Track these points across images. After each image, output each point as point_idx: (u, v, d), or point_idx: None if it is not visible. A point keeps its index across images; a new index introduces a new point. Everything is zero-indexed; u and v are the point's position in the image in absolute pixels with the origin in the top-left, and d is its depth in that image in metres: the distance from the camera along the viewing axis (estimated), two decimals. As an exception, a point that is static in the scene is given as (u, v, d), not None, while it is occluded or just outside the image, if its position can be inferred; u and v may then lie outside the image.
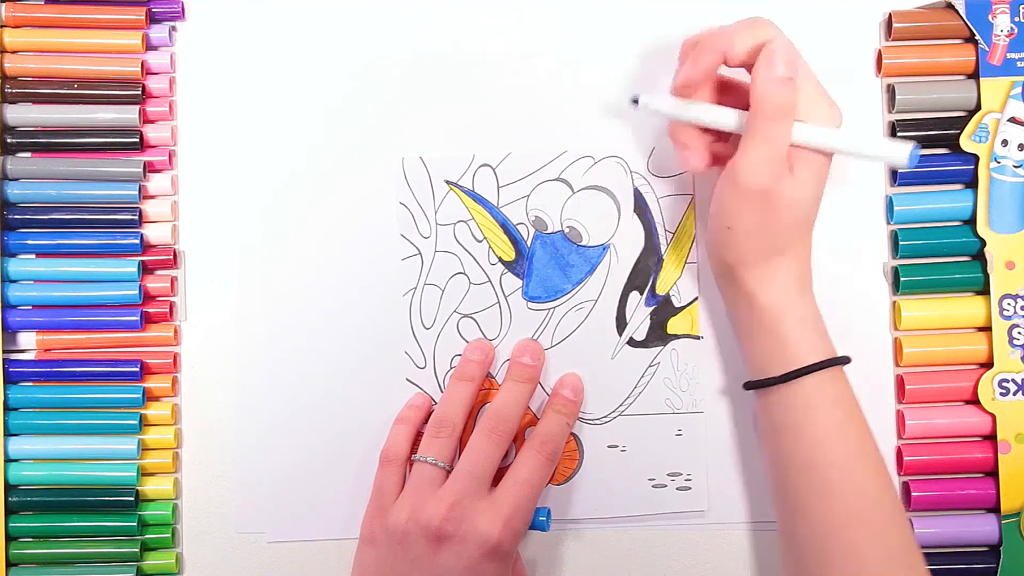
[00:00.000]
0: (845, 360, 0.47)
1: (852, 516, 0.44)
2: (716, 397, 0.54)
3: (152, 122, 0.55)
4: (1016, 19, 0.52)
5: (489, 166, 0.54)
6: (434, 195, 0.54)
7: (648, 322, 0.54)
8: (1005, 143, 0.52)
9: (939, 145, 0.54)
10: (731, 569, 0.54)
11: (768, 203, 0.45)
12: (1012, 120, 0.52)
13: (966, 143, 0.52)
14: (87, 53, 0.54)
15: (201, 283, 0.55)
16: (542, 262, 0.54)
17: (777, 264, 0.47)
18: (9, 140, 0.54)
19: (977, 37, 0.52)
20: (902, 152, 0.44)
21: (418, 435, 0.52)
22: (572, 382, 0.53)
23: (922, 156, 0.53)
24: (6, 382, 0.53)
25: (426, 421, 0.53)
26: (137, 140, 0.54)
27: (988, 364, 0.53)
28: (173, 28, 0.55)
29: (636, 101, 0.48)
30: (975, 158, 0.52)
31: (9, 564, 0.53)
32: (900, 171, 0.53)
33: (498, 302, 0.54)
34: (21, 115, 0.54)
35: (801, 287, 0.47)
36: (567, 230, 0.54)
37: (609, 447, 0.54)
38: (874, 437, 0.46)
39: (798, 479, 0.46)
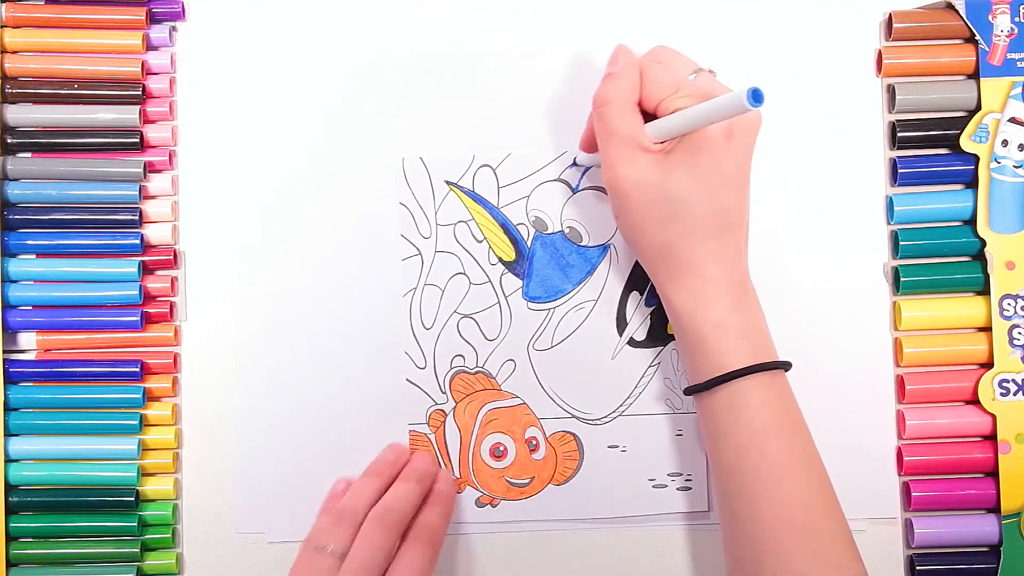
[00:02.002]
0: (776, 366, 0.46)
1: (779, 521, 0.44)
2: (716, 397, 0.54)
3: (152, 122, 0.55)
4: (1016, 19, 0.52)
5: (489, 166, 0.54)
6: (434, 195, 0.54)
7: (648, 322, 0.54)
8: (1005, 143, 0.52)
9: (939, 145, 0.54)
10: (731, 569, 0.54)
11: (634, 200, 0.46)
12: (1012, 120, 0.52)
13: (966, 143, 0.52)
14: (87, 53, 0.54)
15: (201, 283, 0.55)
16: (542, 262, 0.54)
17: (680, 263, 0.46)
18: (9, 140, 0.54)
19: (977, 37, 0.52)
20: (739, 97, 0.40)
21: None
22: (444, 476, 0.53)
23: (923, 156, 0.54)
24: (6, 382, 0.53)
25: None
26: (137, 140, 0.54)
27: (988, 364, 0.53)
28: (173, 28, 0.55)
29: (575, 163, 0.54)
30: (975, 158, 0.52)
31: (9, 564, 0.53)
32: (899, 174, 0.53)
33: (498, 302, 0.54)
34: (21, 115, 0.54)
35: (718, 292, 0.46)
36: (567, 230, 0.54)
37: (609, 447, 0.54)
38: (811, 442, 0.46)
39: (728, 483, 0.46)
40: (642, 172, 0.46)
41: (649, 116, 0.47)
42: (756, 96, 0.39)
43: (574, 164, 0.54)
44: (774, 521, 0.44)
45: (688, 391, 0.47)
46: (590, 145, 0.51)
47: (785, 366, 0.46)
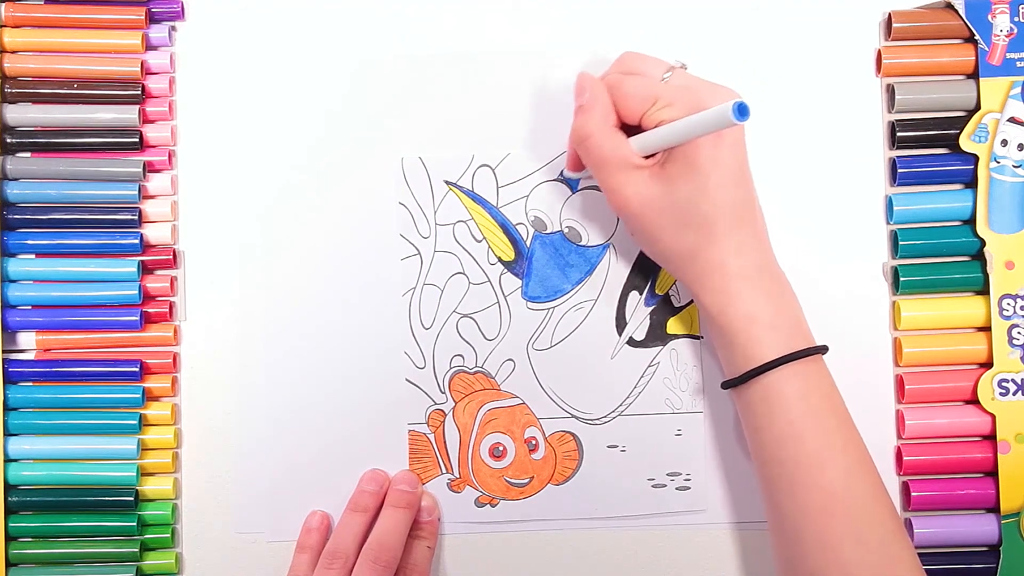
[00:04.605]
0: (811, 352, 0.46)
1: (821, 509, 0.44)
2: (716, 397, 0.54)
3: (152, 122, 0.55)
4: (1016, 19, 0.52)
5: (488, 166, 0.54)
6: (433, 195, 0.54)
7: (648, 322, 0.54)
8: (1005, 143, 0.52)
9: (939, 145, 0.54)
10: (731, 569, 0.54)
11: (646, 217, 0.46)
12: (1012, 120, 0.52)
13: (966, 143, 0.52)
14: (87, 53, 0.54)
15: (201, 283, 0.55)
16: (541, 262, 0.54)
17: (704, 264, 0.46)
18: (9, 140, 0.54)
19: (977, 37, 0.52)
20: (724, 113, 0.41)
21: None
22: (429, 503, 0.53)
23: (922, 156, 0.54)
24: (6, 382, 0.53)
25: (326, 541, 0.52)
26: (137, 140, 0.54)
27: (988, 364, 0.53)
28: (173, 28, 0.55)
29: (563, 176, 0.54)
30: (975, 158, 0.52)
31: (9, 564, 0.53)
32: (899, 174, 0.53)
33: (498, 302, 0.54)
34: (21, 115, 0.54)
35: (744, 285, 0.46)
36: (566, 230, 0.54)
37: (609, 447, 0.54)
38: (851, 424, 0.46)
39: (769, 474, 0.46)
40: (645, 188, 0.46)
41: (633, 128, 0.47)
42: (742, 111, 0.40)
43: (563, 177, 0.54)
44: (816, 509, 0.44)
45: (725, 385, 0.48)
46: (575, 166, 0.52)
47: (821, 350, 0.46)
